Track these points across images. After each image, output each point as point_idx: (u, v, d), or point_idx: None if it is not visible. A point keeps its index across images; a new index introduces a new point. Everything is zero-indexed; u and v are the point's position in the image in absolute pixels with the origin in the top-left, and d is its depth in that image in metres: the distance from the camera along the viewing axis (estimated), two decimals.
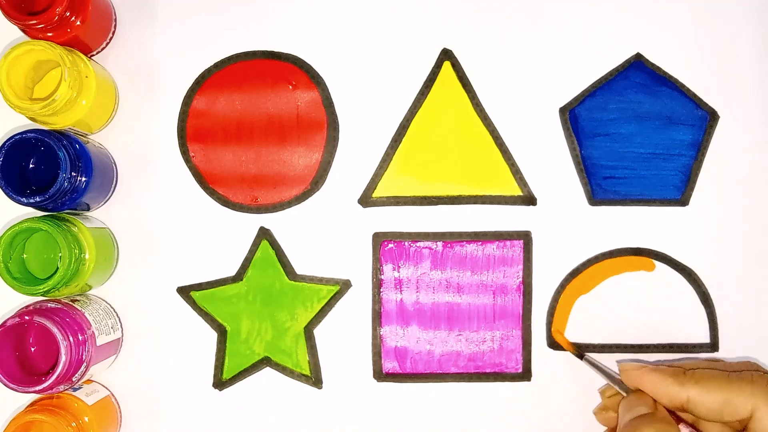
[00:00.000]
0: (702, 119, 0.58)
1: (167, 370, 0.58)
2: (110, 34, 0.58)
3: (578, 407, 0.58)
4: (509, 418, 0.58)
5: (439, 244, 0.58)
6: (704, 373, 0.50)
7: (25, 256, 0.54)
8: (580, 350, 0.56)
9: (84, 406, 0.54)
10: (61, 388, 0.52)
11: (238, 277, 0.58)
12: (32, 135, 0.52)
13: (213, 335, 0.58)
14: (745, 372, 0.49)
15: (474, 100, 0.58)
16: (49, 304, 0.52)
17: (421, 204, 0.58)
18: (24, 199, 0.51)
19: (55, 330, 0.50)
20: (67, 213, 0.55)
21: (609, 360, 0.57)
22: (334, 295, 0.58)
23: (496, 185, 0.58)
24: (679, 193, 0.58)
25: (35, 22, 0.52)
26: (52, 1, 0.52)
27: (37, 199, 0.51)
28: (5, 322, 0.51)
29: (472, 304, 0.58)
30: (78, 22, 0.54)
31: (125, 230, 0.58)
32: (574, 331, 0.58)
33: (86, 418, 0.53)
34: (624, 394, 0.52)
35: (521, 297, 0.58)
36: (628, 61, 0.58)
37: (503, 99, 0.58)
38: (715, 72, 0.58)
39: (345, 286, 0.58)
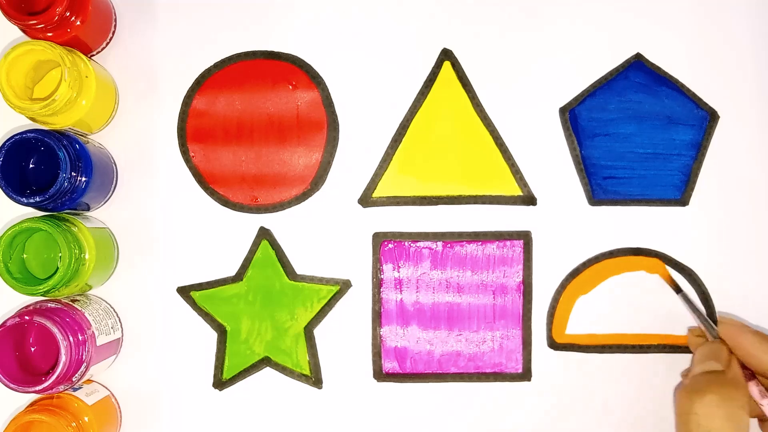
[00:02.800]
0: (702, 119, 0.58)
1: (167, 370, 0.58)
2: (110, 34, 0.58)
3: (578, 407, 0.58)
4: (509, 418, 0.58)
5: (439, 244, 0.58)
6: None
7: (25, 256, 0.54)
8: (678, 286, 0.57)
9: (84, 406, 0.54)
10: (61, 388, 0.52)
11: (238, 277, 0.58)
12: (32, 135, 0.52)
13: (213, 335, 0.58)
14: None
15: (474, 100, 0.58)
16: (49, 304, 0.52)
17: (421, 204, 0.58)
18: (24, 199, 0.51)
19: (55, 330, 0.50)
20: (67, 213, 0.55)
21: (608, 361, 0.57)
22: (334, 295, 0.58)
23: (496, 185, 0.58)
24: (679, 193, 0.58)
25: (35, 22, 0.52)
26: (52, 1, 0.52)
27: (37, 199, 0.51)
28: (5, 322, 0.51)
29: (472, 304, 0.58)
30: (78, 22, 0.54)
31: (125, 230, 0.58)
32: (575, 331, 0.58)
33: (86, 418, 0.53)
34: (709, 338, 0.54)
35: (521, 297, 0.58)
36: (628, 61, 0.58)
37: (503, 99, 0.58)
38: (715, 72, 0.58)
39: (345, 286, 0.58)
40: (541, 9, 0.59)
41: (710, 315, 0.57)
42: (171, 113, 0.59)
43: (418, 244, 0.58)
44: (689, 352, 0.57)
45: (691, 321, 0.57)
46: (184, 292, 0.58)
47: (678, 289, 0.57)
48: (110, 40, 0.59)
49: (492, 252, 0.58)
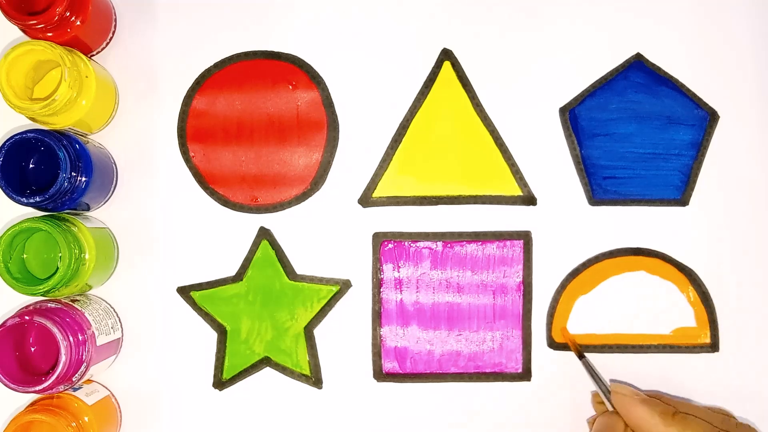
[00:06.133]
0: (702, 119, 0.58)
1: (167, 370, 0.58)
2: (110, 34, 0.58)
3: (578, 407, 0.57)
4: (509, 418, 0.58)
5: (439, 244, 0.58)
6: (692, 422, 0.49)
7: (25, 256, 0.54)
8: (582, 352, 0.56)
9: (84, 406, 0.54)
10: (61, 388, 0.52)
11: (238, 277, 0.58)
12: (32, 135, 0.52)
13: (213, 335, 0.58)
14: None
15: (474, 100, 0.58)
16: (49, 304, 0.52)
17: (421, 204, 0.58)
18: (24, 199, 0.51)
19: (55, 330, 0.50)
20: (67, 213, 0.55)
21: (608, 361, 0.57)
22: (334, 295, 0.58)
23: (496, 185, 0.58)
24: (679, 193, 0.58)
25: (35, 22, 0.52)
26: (52, 1, 0.52)
27: (37, 199, 0.51)
28: (5, 322, 0.51)
29: (472, 304, 0.58)
30: (78, 22, 0.54)
31: (125, 230, 0.58)
32: (575, 332, 0.58)
33: (86, 418, 0.53)
34: (608, 407, 0.53)
35: (521, 297, 0.58)
36: (628, 61, 0.58)
37: (503, 99, 0.58)
38: (715, 72, 0.58)
39: (345, 286, 0.58)
40: (541, 9, 0.59)
41: (713, 319, 0.57)
42: (171, 113, 0.59)
43: (418, 244, 0.58)
44: (689, 352, 0.57)
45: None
46: (184, 292, 0.58)
47: (581, 356, 0.56)
48: (110, 40, 0.59)
49: (492, 252, 0.58)
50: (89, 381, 0.57)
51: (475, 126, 0.58)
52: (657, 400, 0.52)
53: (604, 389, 0.54)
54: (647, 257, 0.58)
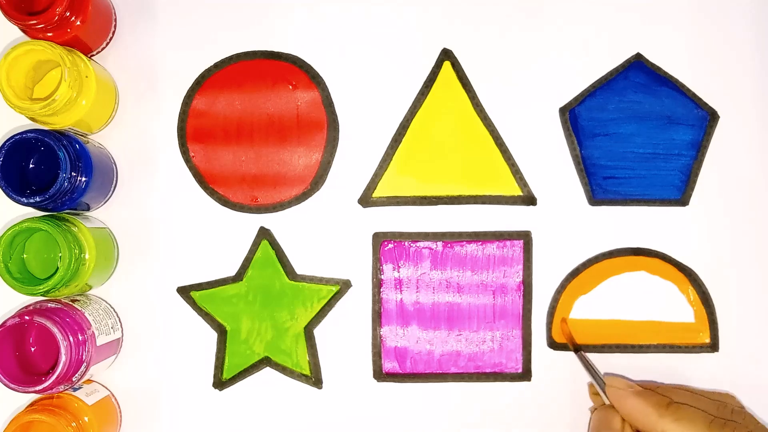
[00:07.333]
0: (702, 119, 0.58)
1: (167, 370, 0.58)
2: (110, 34, 0.58)
3: (578, 407, 0.57)
4: (509, 418, 0.58)
5: (439, 244, 0.58)
6: (687, 411, 0.49)
7: (25, 256, 0.54)
8: (577, 346, 0.56)
9: (84, 406, 0.54)
10: (61, 388, 0.52)
11: (238, 277, 0.58)
12: (32, 135, 0.52)
13: (213, 335, 0.58)
14: (729, 424, 0.48)
15: (474, 100, 0.58)
16: (49, 304, 0.52)
17: (421, 204, 0.58)
18: (24, 199, 0.51)
19: (55, 330, 0.50)
20: (67, 213, 0.55)
21: (607, 361, 0.57)
22: (334, 295, 0.58)
23: (496, 185, 0.58)
24: (679, 193, 0.58)
25: (35, 22, 0.52)
26: (52, 1, 0.52)
27: (37, 199, 0.51)
28: (5, 322, 0.51)
29: (472, 304, 0.58)
30: (78, 22, 0.54)
31: (125, 230, 0.58)
32: (574, 332, 0.58)
33: (86, 418, 0.53)
34: (605, 401, 0.53)
35: (521, 297, 0.58)
36: (628, 61, 0.58)
37: (503, 99, 0.58)
38: (715, 72, 0.58)
39: (345, 286, 0.58)
40: (541, 9, 0.59)
41: (712, 319, 0.57)
42: (171, 113, 0.59)
43: (418, 244, 0.58)
44: (689, 352, 0.57)
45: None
46: (184, 292, 0.58)
47: (577, 350, 0.56)
48: (110, 40, 0.59)
49: (492, 252, 0.58)
50: (89, 381, 0.57)
51: (475, 126, 0.58)
52: (651, 391, 0.51)
53: (599, 382, 0.54)
54: (647, 257, 0.58)
